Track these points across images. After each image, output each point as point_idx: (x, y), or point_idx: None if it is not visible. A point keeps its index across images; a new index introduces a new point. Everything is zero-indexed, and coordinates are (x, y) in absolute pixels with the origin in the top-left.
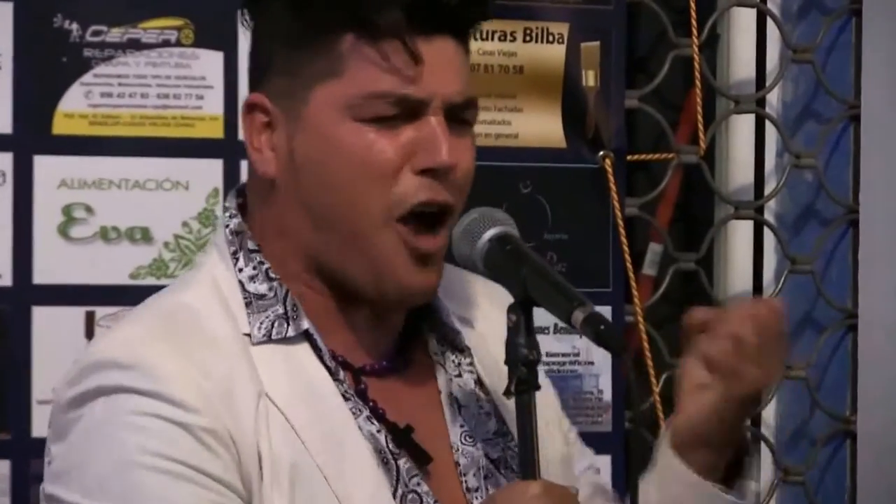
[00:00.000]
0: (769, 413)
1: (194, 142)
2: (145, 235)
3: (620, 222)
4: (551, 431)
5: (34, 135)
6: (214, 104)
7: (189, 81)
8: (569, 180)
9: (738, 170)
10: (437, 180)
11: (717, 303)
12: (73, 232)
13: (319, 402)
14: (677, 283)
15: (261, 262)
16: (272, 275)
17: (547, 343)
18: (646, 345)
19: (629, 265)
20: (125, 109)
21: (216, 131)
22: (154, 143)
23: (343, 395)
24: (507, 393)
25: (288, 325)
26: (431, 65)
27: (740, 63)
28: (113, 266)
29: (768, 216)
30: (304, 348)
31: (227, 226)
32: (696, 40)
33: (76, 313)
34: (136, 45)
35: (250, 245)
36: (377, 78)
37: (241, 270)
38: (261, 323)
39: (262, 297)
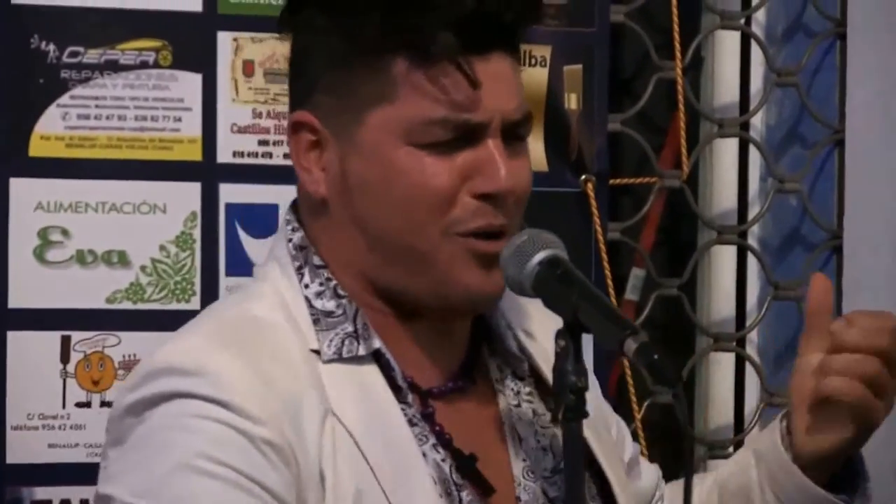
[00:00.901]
0: None
1: (172, 164)
2: (122, 259)
3: (602, 247)
4: (609, 453)
5: (10, 157)
6: (193, 126)
7: (167, 103)
8: (551, 204)
9: (722, 194)
10: (494, 205)
11: (700, 329)
12: (49, 255)
13: (387, 426)
14: (660, 308)
15: (328, 279)
16: (341, 292)
17: None
18: (628, 371)
19: (611, 290)
20: (102, 132)
21: (194, 154)
22: (131, 166)
23: (410, 420)
24: (553, 420)
25: (359, 343)
26: (489, 85)
27: (724, 86)
28: (89, 290)
29: (752, 241)
30: (374, 369)
31: (290, 240)
32: (679, 63)
33: (52, 338)
34: (113, 67)
35: (316, 261)
36: (433, 105)
37: (307, 286)
38: (330, 340)
39: (330, 314)
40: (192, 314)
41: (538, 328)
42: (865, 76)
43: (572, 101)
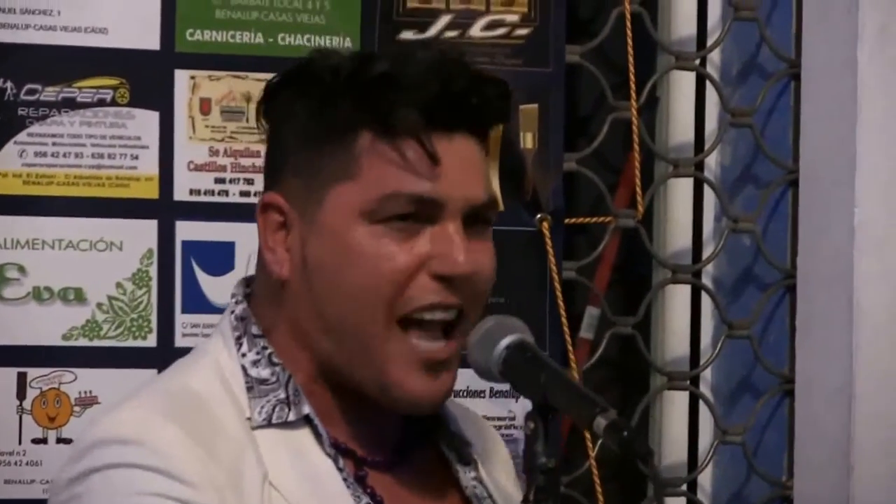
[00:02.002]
0: (706, 478)
1: (129, 202)
2: (79, 296)
3: (558, 285)
4: None
5: None
6: (150, 164)
7: (124, 141)
8: (506, 243)
9: (677, 233)
10: (451, 287)
11: (654, 367)
12: (5, 292)
13: (322, 487)
14: (614, 347)
15: (264, 347)
16: (275, 360)
17: (483, 407)
18: None
19: (566, 329)
20: (60, 169)
21: (151, 192)
22: (88, 203)
23: (344, 481)
24: (524, 502)
25: (289, 409)
26: (450, 166)
27: (679, 126)
28: (46, 327)
29: (706, 280)
30: (306, 433)
31: (232, 311)
32: (634, 103)
33: (8, 374)
34: (71, 104)
35: (254, 330)
36: (392, 178)
37: (244, 355)
38: (261, 407)
39: (264, 381)
40: (148, 351)
41: (468, 428)
42: (819, 116)
43: (528, 141)
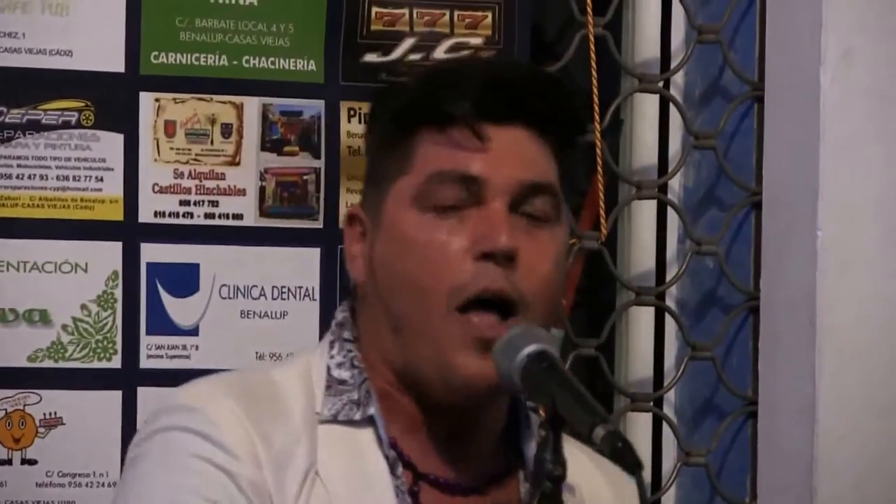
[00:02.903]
0: (669, 499)
1: (94, 224)
2: (44, 318)
3: None
4: None
5: None
6: (114, 186)
7: (89, 163)
8: None
9: (640, 255)
10: (498, 266)
11: (617, 389)
12: None
13: (369, 487)
14: (578, 368)
15: (349, 351)
16: (356, 363)
17: None
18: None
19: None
20: (24, 191)
21: (116, 214)
22: (53, 225)
23: (396, 489)
24: None
25: (357, 409)
26: (499, 149)
27: (643, 148)
28: (10, 349)
29: (670, 302)
30: (369, 433)
31: (335, 317)
32: (598, 126)
33: None
34: (36, 127)
35: (346, 335)
36: (438, 158)
37: (332, 357)
38: (333, 404)
39: (343, 382)
40: (112, 372)
41: (585, 470)
42: (782, 139)
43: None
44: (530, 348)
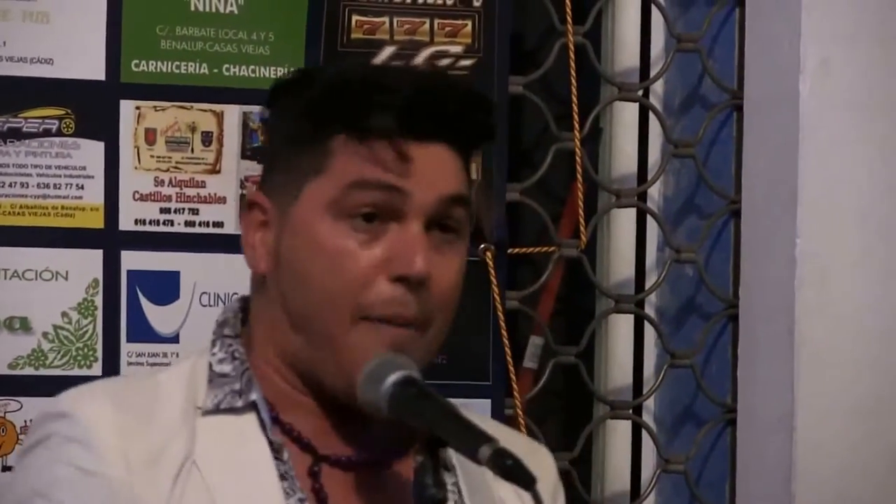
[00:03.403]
0: None
1: (74, 232)
2: (24, 325)
3: (501, 315)
4: None
5: None
6: (95, 194)
7: (69, 171)
8: None
9: (620, 263)
10: (410, 291)
11: (597, 396)
12: None
13: (250, 474)
14: (558, 376)
15: (230, 346)
16: (237, 356)
17: None
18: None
19: (510, 358)
20: (5, 199)
21: (96, 221)
22: (34, 233)
23: (281, 475)
24: None
25: (240, 397)
26: (420, 166)
27: (622, 157)
28: None
29: (649, 310)
30: (251, 420)
31: (216, 320)
32: (578, 134)
33: None
34: (16, 135)
35: (226, 332)
36: (359, 167)
37: (214, 355)
38: (215, 395)
39: (224, 375)
40: (93, 380)
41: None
42: (761, 147)
43: (472, 171)
44: (395, 376)
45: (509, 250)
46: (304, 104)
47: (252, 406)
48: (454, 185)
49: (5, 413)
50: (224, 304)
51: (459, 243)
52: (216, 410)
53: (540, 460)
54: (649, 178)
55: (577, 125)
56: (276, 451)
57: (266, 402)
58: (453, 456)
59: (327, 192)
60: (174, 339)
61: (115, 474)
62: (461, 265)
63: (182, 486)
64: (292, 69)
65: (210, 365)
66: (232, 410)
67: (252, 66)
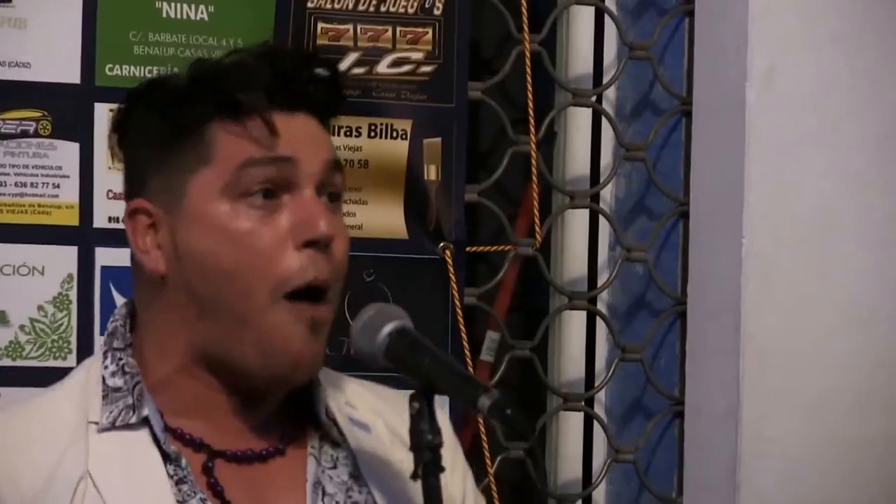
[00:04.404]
0: (600, 494)
1: (50, 229)
2: (2, 318)
3: (459, 311)
4: None
5: None
6: (70, 193)
7: (46, 171)
8: (410, 270)
9: (573, 262)
10: (319, 253)
11: (551, 389)
12: None
13: (146, 486)
14: (513, 369)
15: (120, 359)
16: (127, 369)
17: None
18: (482, 428)
19: (468, 352)
20: None
21: (72, 219)
22: (11, 230)
23: (178, 480)
24: (414, 476)
25: (133, 412)
26: (295, 136)
27: (576, 159)
28: None
29: (601, 306)
30: (144, 435)
31: (106, 329)
32: (533, 137)
33: None
34: None
35: (116, 344)
36: (244, 148)
37: (106, 367)
38: (110, 412)
39: (117, 389)
40: (68, 371)
41: (359, 401)
42: (709, 151)
43: (431, 173)
44: (390, 326)
45: (467, 249)
46: (169, 105)
47: (145, 421)
48: (331, 150)
49: None
50: None
51: (341, 205)
52: (113, 427)
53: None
54: (602, 180)
55: (532, 129)
56: (173, 460)
57: (158, 413)
58: (345, 431)
59: (218, 178)
60: None
61: (9, 496)
62: (346, 227)
63: (80, 502)
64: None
65: (103, 379)
66: (128, 426)
67: None
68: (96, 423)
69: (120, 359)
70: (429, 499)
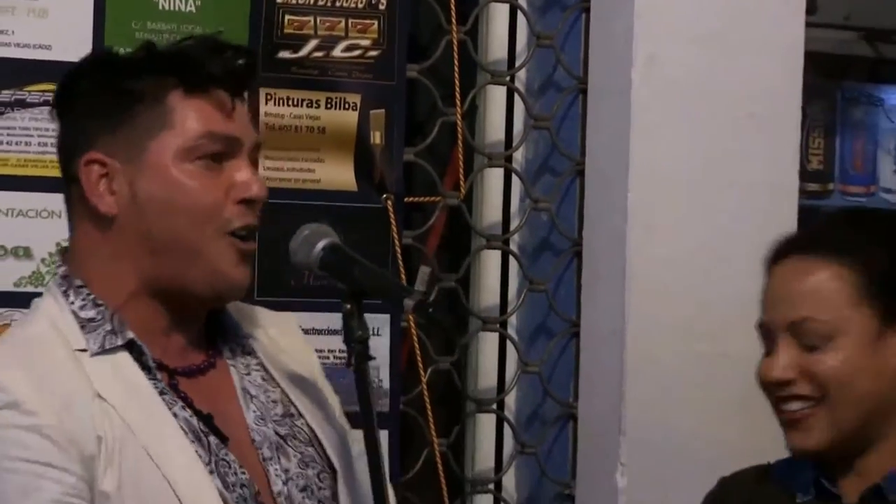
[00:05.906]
0: (511, 399)
1: None
2: (27, 253)
3: (398, 250)
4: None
5: None
6: None
7: None
8: (359, 217)
9: (490, 210)
10: (251, 208)
11: (472, 314)
12: None
13: (141, 397)
14: (441, 297)
15: (88, 294)
16: (98, 302)
17: (333, 342)
18: (416, 344)
19: (404, 283)
20: (13, 154)
21: None
22: (35, 181)
23: (161, 392)
24: (348, 365)
25: (116, 337)
26: (240, 119)
27: (493, 128)
28: (0, 277)
29: (513, 247)
30: (126, 355)
31: (55, 274)
32: (459, 110)
33: None
34: (22, 104)
35: (77, 283)
36: (204, 122)
37: (72, 303)
38: (95, 339)
39: (92, 319)
40: None
41: (257, 320)
42: (601, 123)
43: (377, 138)
44: (323, 242)
45: (405, 199)
46: (127, 75)
47: (130, 343)
48: (257, 132)
49: (11, 321)
50: None
51: (257, 166)
52: (102, 351)
53: (292, 325)
54: (514, 144)
55: (458, 103)
56: (151, 374)
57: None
58: (254, 343)
59: (176, 142)
60: None
61: (48, 422)
62: (264, 182)
63: (100, 417)
64: (83, 60)
65: (74, 313)
66: (115, 349)
67: None
68: (84, 350)
69: (88, 294)
70: (360, 384)
